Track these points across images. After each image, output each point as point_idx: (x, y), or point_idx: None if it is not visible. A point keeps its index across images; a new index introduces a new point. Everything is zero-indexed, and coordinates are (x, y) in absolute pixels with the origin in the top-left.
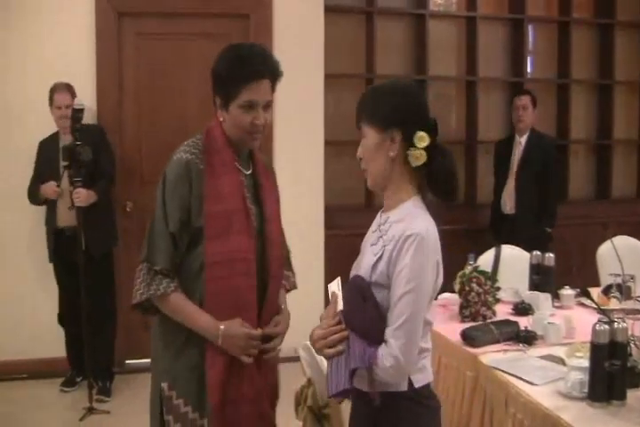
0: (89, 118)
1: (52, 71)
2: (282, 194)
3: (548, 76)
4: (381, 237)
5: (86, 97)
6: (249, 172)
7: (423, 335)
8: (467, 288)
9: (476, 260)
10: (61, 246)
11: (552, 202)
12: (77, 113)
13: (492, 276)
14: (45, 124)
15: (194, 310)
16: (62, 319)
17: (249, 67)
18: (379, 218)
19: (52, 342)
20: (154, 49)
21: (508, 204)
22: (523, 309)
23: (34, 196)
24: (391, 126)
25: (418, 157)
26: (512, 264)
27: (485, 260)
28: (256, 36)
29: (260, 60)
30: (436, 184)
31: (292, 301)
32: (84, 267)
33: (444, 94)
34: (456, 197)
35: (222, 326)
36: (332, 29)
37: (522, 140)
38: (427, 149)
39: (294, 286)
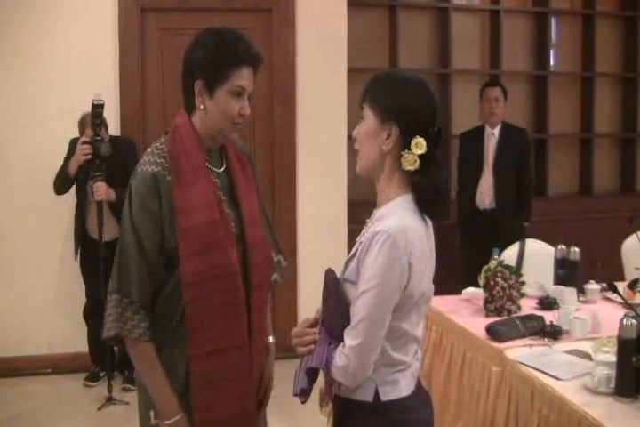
0: (112, 115)
1: (74, 68)
2: (306, 189)
3: (572, 69)
4: (364, 233)
5: (109, 93)
6: (222, 169)
7: (399, 346)
8: (492, 283)
9: (500, 254)
10: (87, 246)
11: (529, 195)
12: (97, 108)
13: (517, 270)
14: (68, 123)
15: (159, 376)
16: (87, 315)
17: (239, 51)
18: (372, 214)
19: (76, 337)
20: (177, 44)
21: (487, 198)
22: (548, 303)
23: (59, 176)
24: (391, 120)
25: (410, 161)
26: (536, 258)
27: (510, 254)
28: (279, 31)
29: (248, 47)
30: (420, 196)
31: (313, 296)
32: (106, 261)
33: (468, 88)
34: (437, 215)
35: (177, 417)
36: (355, 23)
37: (495, 132)
38: (421, 156)
39: (282, 275)
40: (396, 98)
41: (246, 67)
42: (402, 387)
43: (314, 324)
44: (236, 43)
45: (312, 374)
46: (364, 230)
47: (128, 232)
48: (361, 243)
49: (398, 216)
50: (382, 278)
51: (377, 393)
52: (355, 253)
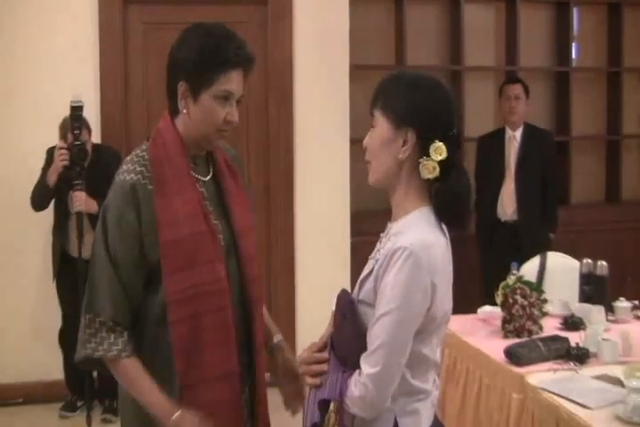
0: (92, 119)
1: (49, 67)
2: (304, 199)
3: (596, 64)
4: (379, 249)
5: (88, 95)
6: (208, 177)
7: (420, 374)
8: (510, 300)
9: (519, 268)
10: (67, 265)
11: (554, 204)
12: (76, 111)
13: (538, 286)
14: (41, 127)
15: (148, 386)
16: (63, 339)
17: (227, 52)
18: (386, 228)
19: (50, 364)
20: (164, 40)
21: (508, 208)
22: (573, 323)
23: (37, 189)
24: (407, 125)
25: (429, 169)
26: (559, 273)
27: (529, 269)
28: (275, 25)
29: (238, 47)
30: (441, 205)
31: (313, 317)
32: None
33: (482, 86)
34: (458, 224)
35: (177, 414)
36: (357, 16)
37: (516, 135)
38: (441, 162)
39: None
40: (410, 100)
41: (235, 69)
42: (422, 418)
43: (322, 348)
44: (225, 42)
45: (324, 407)
46: (378, 246)
47: (100, 246)
48: (377, 260)
49: (419, 231)
50: (403, 300)
51: (396, 425)
52: (370, 272)
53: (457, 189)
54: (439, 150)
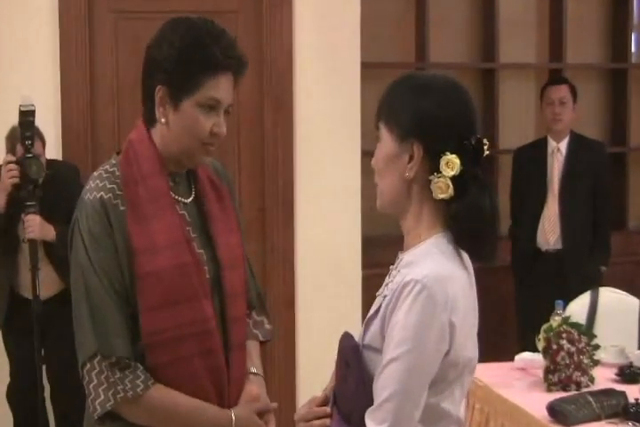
0: (50, 129)
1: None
2: (306, 223)
3: None
4: (387, 284)
5: (46, 99)
6: (190, 198)
7: None
8: (554, 346)
9: (565, 308)
10: (17, 308)
11: (607, 230)
12: (26, 116)
13: (588, 330)
14: None
15: (191, 403)
16: (14, 395)
17: (215, 53)
18: (397, 259)
19: None
20: (138, 32)
21: (551, 235)
22: (631, 374)
23: None
24: (412, 137)
25: (442, 188)
26: (614, 313)
27: (578, 308)
28: (271, 15)
29: (228, 47)
30: (459, 228)
31: (319, 361)
32: (45, 319)
33: (520, 88)
34: (485, 253)
35: (234, 416)
36: (371, 4)
37: (561, 147)
38: (457, 178)
39: (270, 336)
40: (415, 107)
41: (224, 74)
42: None
43: (323, 403)
44: (213, 40)
45: None
46: (387, 280)
47: (89, 273)
48: (385, 297)
49: (434, 261)
50: (416, 343)
51: None
52: (377, 312)
53: (477, 206)
54: (451, 164)
